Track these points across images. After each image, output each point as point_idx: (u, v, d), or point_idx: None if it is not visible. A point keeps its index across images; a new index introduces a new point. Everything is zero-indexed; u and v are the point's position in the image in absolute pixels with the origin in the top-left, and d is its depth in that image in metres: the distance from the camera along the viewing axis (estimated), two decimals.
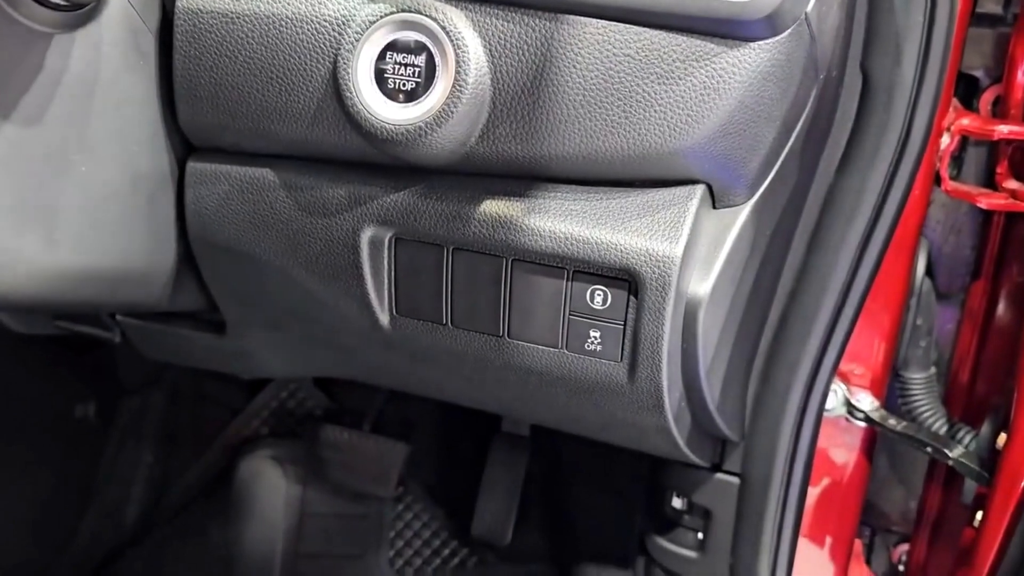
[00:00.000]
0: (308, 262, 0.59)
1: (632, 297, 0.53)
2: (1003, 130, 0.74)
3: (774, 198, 0.56)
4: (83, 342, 1.05)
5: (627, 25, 0.48)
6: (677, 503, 0.79)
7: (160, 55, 0.56)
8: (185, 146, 0.59)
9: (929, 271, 0.83)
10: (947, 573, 0.85)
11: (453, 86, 0.49)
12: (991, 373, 0.85)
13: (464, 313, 0.57)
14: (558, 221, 0.53)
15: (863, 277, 0.64)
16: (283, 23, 0.53)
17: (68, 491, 1.23)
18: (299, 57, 0.53)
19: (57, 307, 0.61)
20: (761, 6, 0.46)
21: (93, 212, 0.54)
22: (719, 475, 0.74)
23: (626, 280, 0.52)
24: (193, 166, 0.59)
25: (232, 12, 0.54)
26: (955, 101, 0.78)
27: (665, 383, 0.55)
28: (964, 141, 0.80)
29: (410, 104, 0.50)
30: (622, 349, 0.54)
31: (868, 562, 0.97)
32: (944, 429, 0.81)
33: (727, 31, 0.47)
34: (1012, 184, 0.77)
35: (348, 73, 0.50)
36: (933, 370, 0.85)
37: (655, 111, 0.49)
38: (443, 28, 0.49)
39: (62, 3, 0.47)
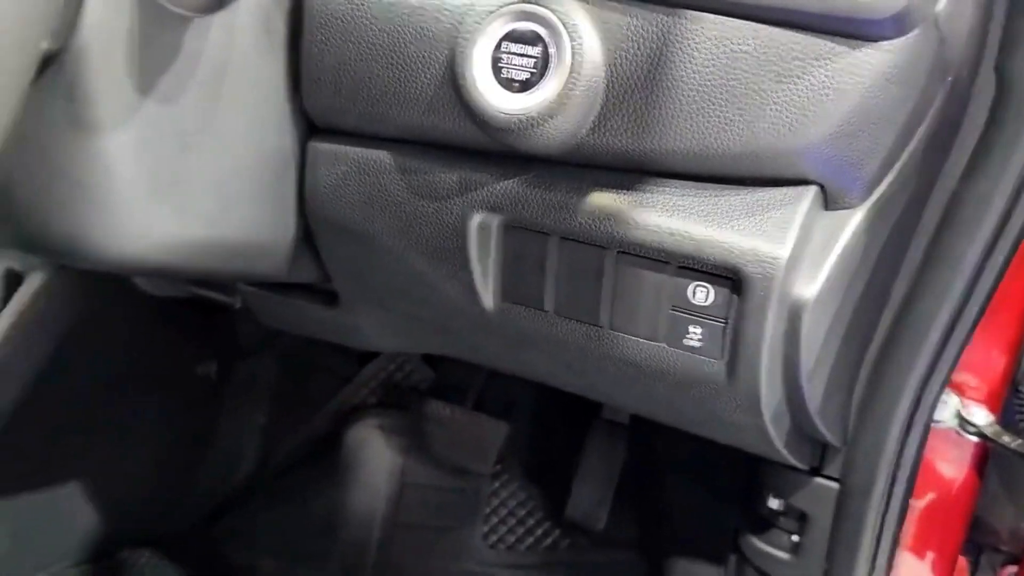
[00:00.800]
0: (417, 244, 0.60)
1: (735, 296, 0.52)
2: None
3: (891, 202, 0.55)
4: (208, 306, 1.11)
5: (745, 21, 0.48)
6: (774, 504, 0.78)
7: (289, 39, 0.59)
8: (308, 127, 0.62)
9: None
10: None
11: (568, 78, 0.49)
12: None
13: (566, 302, 0.58)
14: (665, 216, 0.53)
15: (984, 288, 0.61)
16: (406, 10, 0.55)
17: (186, 445, 1.30)
18: (419, 44, 0.54)
19: (184, 274, 0.65)
20: (888, 4, 0.44)
21: (221, 187, 0.57)
22: (818, 479, 0.73)
23: (730, 278, 0.52)
24: (315, 146, 0.62)
25: None
26: None
27: (764, 385, 0.54)
28: None
29: (524, 94, 0.51)
30: (722, 347, 0.54)
31: None
32: None
33: (850, 30, 0.46)
34: None
35: (465, 61, 0.52)
36: None
37: (770, 110, 0.48)
38: (560, 20, 0.50)
39: None
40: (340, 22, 0.56)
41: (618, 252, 0.55)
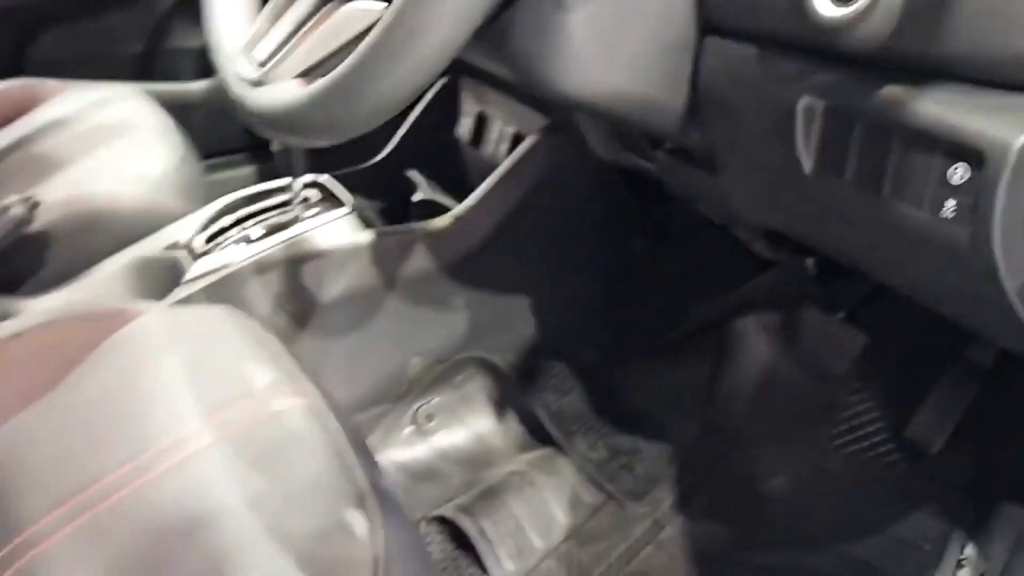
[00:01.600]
0: (762, 120, 0.83)
1: (987, 175, 0.66)
2: None
3: None
4: (642, 189, 1.42)
5: None
6: None
7: None
8: (703, 26, 0.87)
9: None
10: None
11: None
12: None
13: (861, 174, 0.76)
14: (940, 108, 0.69)
15: None
16: None
17: (593, 308, 1.64)
18: None
19: (610, 115, 0.93)
20: None
21: (641, 56, 0.85)
22: None
23: (980, 160, 0.67)
24: (706, 40, 0.87)
25: None
26: None
27: (999, 256, 0.68)
28: None
29: (847, 7, 0.70)
30: (969, 220, 0.69)
31: None
32: None
33: None
34: None
35: None
36: None
37: None
38: None
39: None
40: None
41: (901, 136, 0.72)
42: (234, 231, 1.37)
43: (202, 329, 1.05)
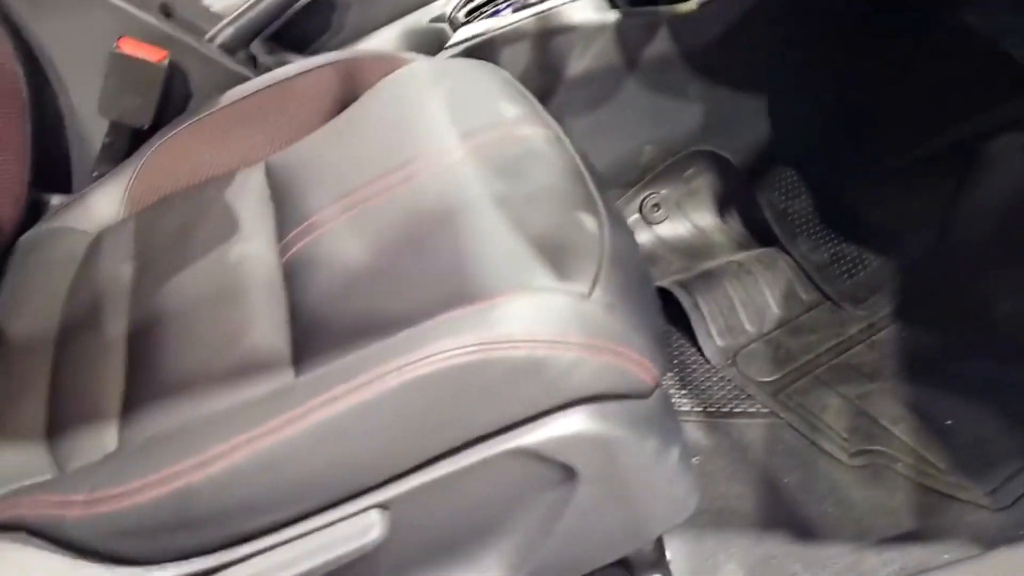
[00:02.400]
0: None
1: None
2: None
3: None
4: None
5: None
6: None
7: None
8: None
9: None
10: None
11: None
12: None
13: None
14: None
15: None
16: None
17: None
18: None
19: None
20: None
21: None
22: None
23: None
24: None
25: None
26: None
27: None
28: None
29: None
30: None
31: None
32: None
33: None
34: None
35: None
36: None
37: None
38: None
39: None
40: None
41: None
42: (490, 6, 1.46)
43: (462, 73, 1.16)
